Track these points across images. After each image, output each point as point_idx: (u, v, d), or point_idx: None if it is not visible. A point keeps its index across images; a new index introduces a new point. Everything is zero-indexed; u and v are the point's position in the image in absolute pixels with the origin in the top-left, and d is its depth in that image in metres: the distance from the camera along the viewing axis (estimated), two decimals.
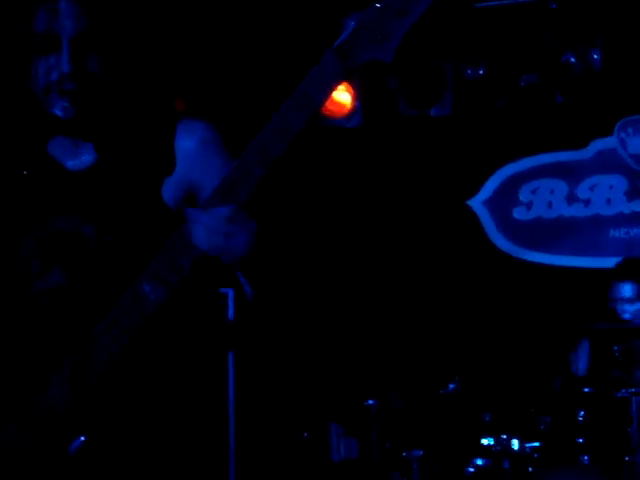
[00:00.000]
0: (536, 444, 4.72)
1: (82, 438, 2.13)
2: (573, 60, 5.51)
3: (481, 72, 5.68)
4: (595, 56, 5.49)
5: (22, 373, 2.21)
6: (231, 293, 4.95)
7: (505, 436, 4.80)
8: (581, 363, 5.05)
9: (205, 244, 2.09)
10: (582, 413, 4.66)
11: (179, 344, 2.29)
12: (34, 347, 2.22)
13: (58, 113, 2.21)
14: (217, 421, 4.88)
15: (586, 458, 4.58)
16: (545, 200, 5.88)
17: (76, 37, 2.21)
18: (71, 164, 2.28)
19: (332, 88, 2.07)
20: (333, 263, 5.80)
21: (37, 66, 2.21)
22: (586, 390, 4.69)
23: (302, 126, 2.08)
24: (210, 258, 2.12)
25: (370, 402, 5.08)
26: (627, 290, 5.02)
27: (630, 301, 4.98)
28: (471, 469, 4.89)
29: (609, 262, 5.68)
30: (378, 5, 2.04)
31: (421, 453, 5.00)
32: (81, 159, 2.29)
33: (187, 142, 2.28)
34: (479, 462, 4.86)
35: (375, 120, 5.86)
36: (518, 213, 5.93)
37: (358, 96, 5.74)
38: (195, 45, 5.32)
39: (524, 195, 5.93)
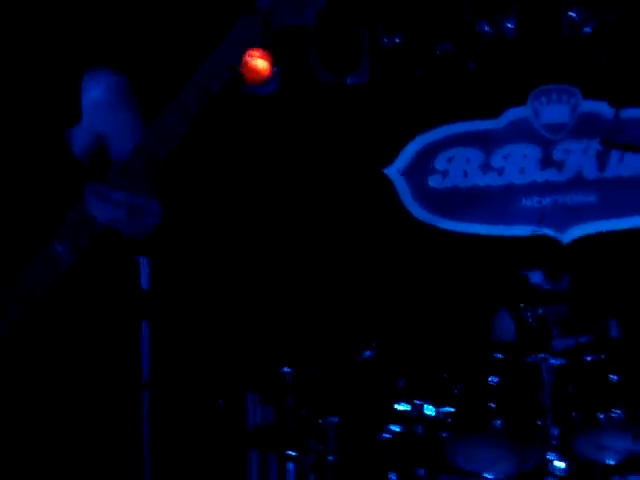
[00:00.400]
0: (450, 409, 4.77)
1: None
2: (487, 28, 5.54)
3: (397, 40, 5.68)
4: (509, 25, 5.53)
5: None
6: (144, 261, 4.89)
7: (419, 402, 4.85)
8: (498, 330, 5.13)
9: (107, 219, 2.04)
10: (495, 379, 4.72)
11: (90, 310, 2.25)
12: None
13: None
14: (130, 390, 4.83)
15: (499, 422, 4.64)
16: (460, 169, 5.93)
17: None
18: None
19: (249, 49, 2.04)
20: (249, 230, 5.77)
21: None
22: (498, 356, 4.76)
23: (217, 88, 2.05)
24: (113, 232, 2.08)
25: (286, 369, 5.09)
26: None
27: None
28: (386, 435, 4.93)
29: (522, 230, 5.76)
30: None
31: (337, 420, 5.02)
32: None
33: (94, 91, 2.22)
34: (394, 428, 4.90)
35: (292, 87, 5.83)
36: (434, 181, 5.96)
37: (275, 62, 5.69)
38: None
39: (440, 164, 5.96)
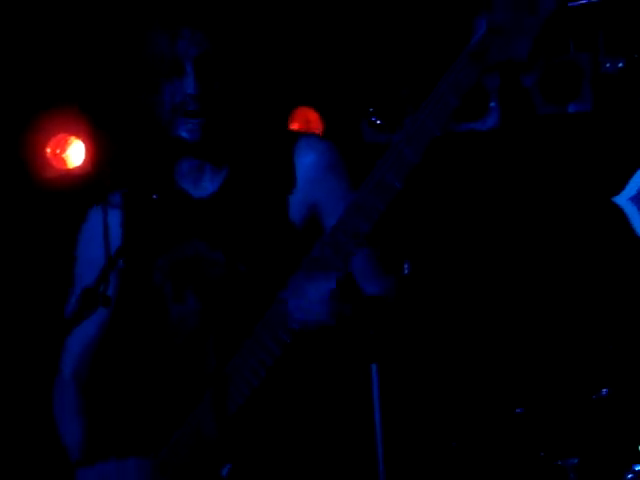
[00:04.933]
0: None
1: (229, 465, 2.13)
2: None
3: (620, 65, 5.49)
4: None
5: (166, 401, 2.22)
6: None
7: None
8: None
9: (297, 323, 2.05)
10: None
11: (322, 363, 2.27)
12: (174, 374, 2.23)
13: (184, 135, 2.22)
14: (364, 436, 4.85)
15: None
16: None
17: (198, 60, 2.22)
18: (196, 193, 2.30)
19: (467, 91, 2.00)
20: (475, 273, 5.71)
21: (162, 90, 2.23)
22: None
23: (438, 131, 2.00)
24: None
25: (518, 410, 4.96)
26: None
27: None
28: (630, 475, 4.71)
29: None
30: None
31: (577, 461, 4.84)
32: (205, 187, 2.30)
33: (305, 160, 2.25)
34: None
35: (512, 120, 5.74)
36: None
37: (494, 96, 5.64)
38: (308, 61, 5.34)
39: None
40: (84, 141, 5.12)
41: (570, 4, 4.87)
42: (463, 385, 5.62)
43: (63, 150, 5.16)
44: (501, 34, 1.96)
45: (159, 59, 2.21)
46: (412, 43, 5.27)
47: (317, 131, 5.52)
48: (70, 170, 5.15)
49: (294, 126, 5.52)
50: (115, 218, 2.28)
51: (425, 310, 5.22)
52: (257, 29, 2.43)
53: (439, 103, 2.00)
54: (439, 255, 5.78)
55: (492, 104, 5.55)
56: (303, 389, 2.28)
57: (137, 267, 2.26)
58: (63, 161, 5.16)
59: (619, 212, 5.76)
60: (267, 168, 2.27)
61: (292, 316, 2.06)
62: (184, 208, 2.29)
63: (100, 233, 2.07)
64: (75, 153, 5.14)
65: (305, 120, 5.68)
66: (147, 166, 2.32)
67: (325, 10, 5.37)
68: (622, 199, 5.78)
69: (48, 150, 5.14)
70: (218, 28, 2.23)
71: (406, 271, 5.26)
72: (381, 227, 2.10)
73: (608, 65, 5.51)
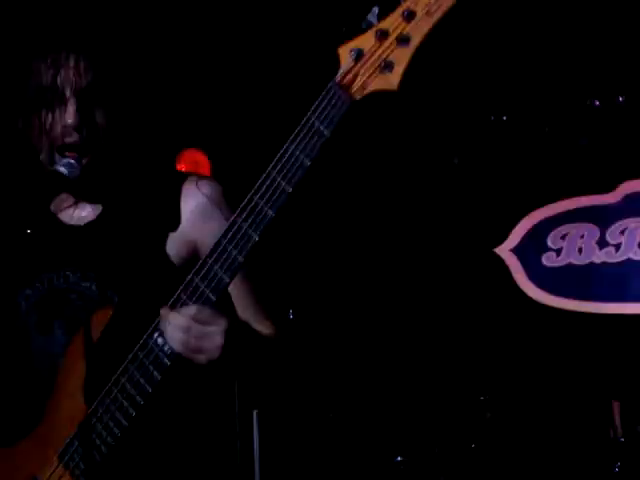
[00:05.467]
0: None
1: None
2: (597, 103, 5.44)
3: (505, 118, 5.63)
4: (619, 98, 5.41)
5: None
6: None
7: None
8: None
9: (176, 345, 2.01)
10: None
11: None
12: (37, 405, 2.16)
13: (62, 171, 2.15)
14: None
15: None
16: (575, 246, 5.77)
17: (81, 90, 2.17)
18: (70, 222, 2.24)
19: (339, 120, 2.00)
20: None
21: (42, 121, 2.17)
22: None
23: (309, 162, 2.00)
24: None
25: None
26: None
27: None
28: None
29: None
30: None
31: None
32: (80, 218, 2.24)
33: (192, 201, 2.24)
34: None
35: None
36: (547, 260, 5.82)
37: None
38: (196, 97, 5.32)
39: (553, 241, 5.81)
40: None
41: None
42: (341, 432, 5.60)
43: None
44: (369, 64, 1.98)
45: (41, 88, 2.15)
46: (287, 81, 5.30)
47: (205, 172, 5.51)
48: None
49: (182, 167, 5.51)
50: None
51: (307, 356, 5.19)
52: (146, 64, 2.38)
53: (309, 133, 2.00)
54: (322, 301, 5.78)
55: None
56: (174, 432, 2.22)
57: (1, 297, 2.19)
58: None
59: (500, 263, 5.85)
60: (150, 205, 2.23)
61: (163, 348, 2.02)
62: (57, 237, 2.23)
63: None
64: None
65: (193, 161, 5.68)
66: (22, 199, 2.25)
67: (215, 49, 5.39)
68: (504, 250, 5.88)
69: None
70: (104, 59, 2.18)
71: (291, 316, 5.26)
72: (260, 264, 2.08)
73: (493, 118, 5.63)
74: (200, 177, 2.29)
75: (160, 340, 2.01)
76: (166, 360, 2.02)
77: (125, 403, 2.04)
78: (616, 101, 5.42)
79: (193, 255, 2.20)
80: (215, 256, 2.00)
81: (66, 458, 2.10)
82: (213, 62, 5.43)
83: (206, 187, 2.25)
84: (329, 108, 1.97)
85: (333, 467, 5.51)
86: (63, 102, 2.14)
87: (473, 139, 5.67)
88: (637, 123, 5.50)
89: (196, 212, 2.23)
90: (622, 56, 5.28)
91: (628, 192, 5.69)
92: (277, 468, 5.05)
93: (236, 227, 2.00)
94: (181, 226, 2.23)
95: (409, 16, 1.96)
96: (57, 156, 2.15)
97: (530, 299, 5.77)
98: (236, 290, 2.17)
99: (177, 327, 1.99)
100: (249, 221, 1.99)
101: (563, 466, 4.85)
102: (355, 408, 5.66)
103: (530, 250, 5.84)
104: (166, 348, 2.01)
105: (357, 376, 5.73)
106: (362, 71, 1.98)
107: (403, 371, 5.70)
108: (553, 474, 4.91)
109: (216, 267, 2.00)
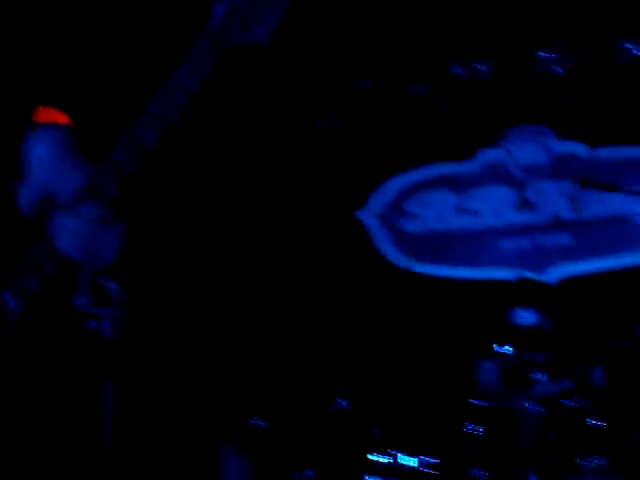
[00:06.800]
0: (429, 460, 4.64)
1: None
2: (459, 69, 5.48)
3: (368, 83, 5.62)
4: (482, 66, 5.47)
5: None
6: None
7: (397, 452, 4.71)
8: (480, 377, 5.00)
9: (70, 248, 1.93)
10: (476, 427, 4.59)
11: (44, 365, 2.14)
12: None
13: None
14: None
15: (479, 473, 4.51)
16: (434, 212, 5.83)
17: None
18: None
19: (205, 74, 1.97)
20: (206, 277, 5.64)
21: None
22: (480, 404, 4.64)
23: (175, 116, 1.96)
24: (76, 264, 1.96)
25: (259, 422, 4.93)
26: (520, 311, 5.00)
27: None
28: None
29: (499, 273, 5.66)
30: None
31: (313, 474, 4.87)
32: None
33: (40, 147, 2.15)
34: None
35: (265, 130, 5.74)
36: (407, 225, 5.86)
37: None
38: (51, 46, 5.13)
39: (413, 207, 5.86)
40: None
41: None
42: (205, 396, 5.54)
43: None
44: (239, 19, 1.94)
45: None
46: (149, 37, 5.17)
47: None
48: None
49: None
50: None
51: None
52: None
53: (178, 87, 1.95)
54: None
55: None
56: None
57: None
58: None
59: (362, 227, 5.87)
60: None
61: (61, 244, 1.93)
62: None
63: None
64: None
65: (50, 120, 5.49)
66: None
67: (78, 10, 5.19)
68: (365, 214, 5.90)
69: None
70: None
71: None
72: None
73: (356, 82, 5.61)
74: (45, 123, 2.21)
75: (7, 296, 1.93)
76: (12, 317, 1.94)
77: None
78: (477, 68, 5.47)
79: (48, 202, 2.13)
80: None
81: None
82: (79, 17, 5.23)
83: (53, 131, 2.17)
84: (198, 61, 1.93)
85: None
86: None
87: (333, 103, 5.64)
88: (497, 90, 5.57)
89: (46, 157, 2.15)
90: (482, 22, 5.33)
91: (487, 160, 5.78)
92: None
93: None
94: (31, 174, 2.15)
95: None
96: None
97: (391, 264, 5.81)
98: None
99: (69, 230, 1.91)
100: (127, 151, 1.92)
101: (418, 430, 4.92)
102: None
103: (390, 215, 5.87)
104: (12, 305, 1.93)
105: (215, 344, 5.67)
106: (231, 25, 1.95)
107: (258, 336, 5.66)
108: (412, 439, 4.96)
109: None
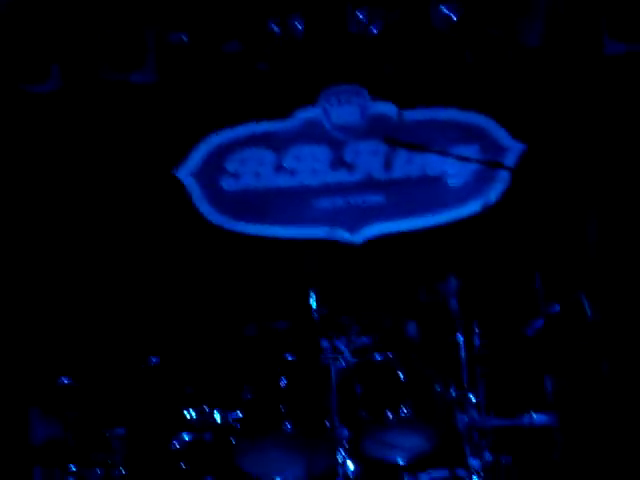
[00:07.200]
0: (239, 414, 4.65)
1: None
2: (276, 28, 5.48)
3: (185, 38, 5.56)
4: (298, 24, 5.49)
5: None
6: None
7: (208, 408, 4.71)
8: (291, 336, 5.04)
9: None
10: (284, 381, 4.62)
11: None
12: None
13: None
14: None
15: (288, 426, 4.54)
16: (252, 170, 5.83)
17: None
18: None
19: None
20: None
21: None
22: (289, 358, 4.67)
23: None
24: None
25: (65, 380, 4.84)
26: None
27: None
28: (176, 443, 4.76)
29: (316, 231, 5.71)
30: None
31: (124, 431, 4.82)
32: None
33: None
34: (184, 436, 4.74)
35: (75, 84, 5.61)
36: (226, 184, 5.85)
37: (55, 59, 5.46)
38: None
39: (231, 165, 5.85)
40: None
41: None
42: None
43: None
44: None
45: None
46: None
47: None
48: None
49: None
50: None
51: None
52: None
53: None
54: None
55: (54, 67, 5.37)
56: None
57: None
58: None
59: (180, 186, 5.83)
60: None
61: None
62: None
63: None
64: None
65: None
66: None
67: None
68: (182, 173, 5.85)
69: None
70: None
71: None
72: None
73: (172, 38, 5.55)
74: None
75: None
76: None
77: None
78: (293, 26, 5.49)
79: None
80: None
81: None
82: None
83: None
84: None
85: None
86: None
87: (147, 55, 5.56)
88: (313, 50, 5.62)
89: None
90: None
91: (304, 118, 5.81)
92: None
93: None
94: None
95: None
96: None
97: (211, 223, 5.79)
98: None
99: None
100: None
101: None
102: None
103: (209, 174, 5.85)
104: None
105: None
106: None
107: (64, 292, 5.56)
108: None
109: None
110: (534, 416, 4.52)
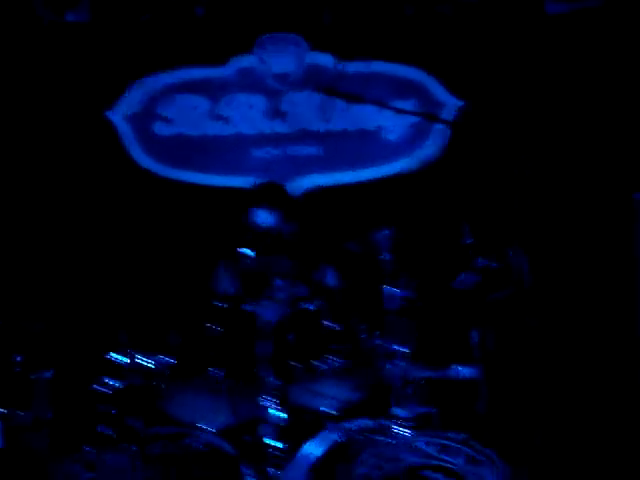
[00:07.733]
0: (167, 360, 4.63)
1: None
2: None
3: None
4: None
5: None
6: None
7: (136, 353, 4.68)
8: (223, 282, 5.04)
9: None
10: (214, 329, 4.62)
11: None
12: None
13: None
14: None
15: (216, 373, 4.54)
16: (187, 116, 5.77)
17: None
18: None
19: None
20: None
21: None
22: (218, 305, 4.66)
23: None
24: None
25: None
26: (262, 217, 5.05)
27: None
28: (103, 388, 4.73)
29: (250, 180, 5.69)
30: None
31: (50, 374, 4.78)
32: None
33: None
34: (110, 380, 4.71)
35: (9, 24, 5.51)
36: (159, 129, 5.78)
37: None
38: None
39: (165, 110, 5.78)
40: None
41: None
42: None
43: None
44: None
45: None
46: None
47: None
48: None
49: None
50: None
51: None
52: None
53: None
54: None
55: None
56: None
57: None
58: None
59: (111, 129, 5.75)
60: None
61: None
62: None
63: None
64: None
65: None
66: None
67: None
68: (115, 115, 5.77)
69: None
70: None
71: None
72: None
73: None
74: None
75: None
76: None
77: None
78: None
79: None
80: None
81: None
82: None
83: None
84: None
85: None
86: None
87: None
88: None
89: None
90: None
91: (240, 66, 5.76)
92: None
93: None
94: None
95: None
96: None
97: (138, 167, 5.73)
98: None
99: None
100: None
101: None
102: None
103: (141, 117, 5.77)
104: None
105: None
106: None
107: None
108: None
109: None
110: (460, 369, 4.59)
